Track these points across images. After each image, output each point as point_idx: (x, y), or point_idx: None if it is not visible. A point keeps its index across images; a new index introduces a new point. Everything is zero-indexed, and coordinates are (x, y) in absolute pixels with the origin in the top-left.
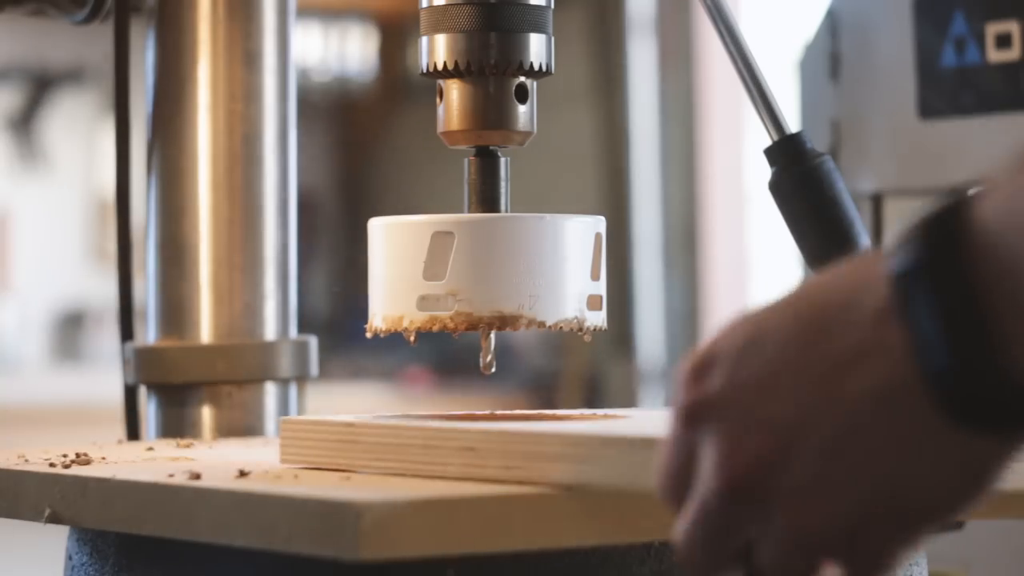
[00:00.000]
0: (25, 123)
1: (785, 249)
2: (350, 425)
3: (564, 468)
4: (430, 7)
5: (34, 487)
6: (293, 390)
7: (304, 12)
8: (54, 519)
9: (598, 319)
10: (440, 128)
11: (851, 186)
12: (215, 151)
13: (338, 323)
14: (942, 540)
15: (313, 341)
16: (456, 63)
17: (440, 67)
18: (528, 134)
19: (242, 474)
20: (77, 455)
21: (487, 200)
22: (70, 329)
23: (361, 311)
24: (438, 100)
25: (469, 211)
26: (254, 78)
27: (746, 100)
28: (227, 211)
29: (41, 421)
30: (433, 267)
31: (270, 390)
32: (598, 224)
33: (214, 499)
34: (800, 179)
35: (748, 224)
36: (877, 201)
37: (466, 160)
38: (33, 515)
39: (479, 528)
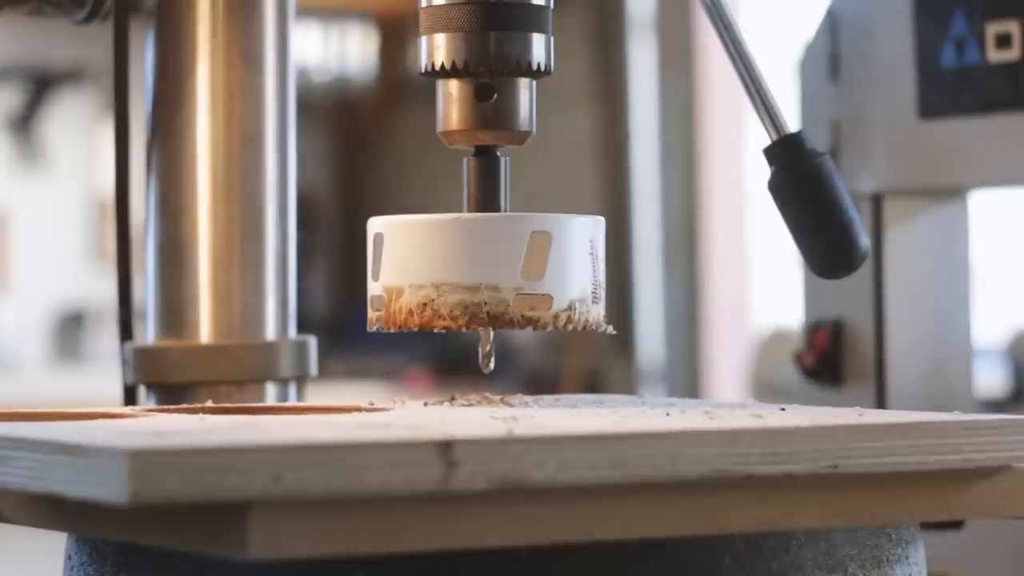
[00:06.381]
0: (25, 123)
1: (785, 249)
2: None
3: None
4: (429, 7)
5: None
6: (293, 390)
7: (304, 12)
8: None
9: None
10: (439, 128)
11: (851, 186)
12: (215, 151)
13: (338, 323)
14: (942, 540)
15: (313, 341)
16: (455, 63)
17: (439, 67)
18: (527, 133)
19: None
20: None
21: (486, 201)
22: (70, 329)
23: (361, 311)
24: (437, 100)
25: (468, 211)
26: (254, 78)
27: (746, 100)
28: (227, 211)
29: None
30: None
31: (270, 390)
32: (533, 223)
33: None
34: (800, 178)
35: (748, 224)
36: (877, 201)
37: (465, 160)
38: None
39: (372, 528)
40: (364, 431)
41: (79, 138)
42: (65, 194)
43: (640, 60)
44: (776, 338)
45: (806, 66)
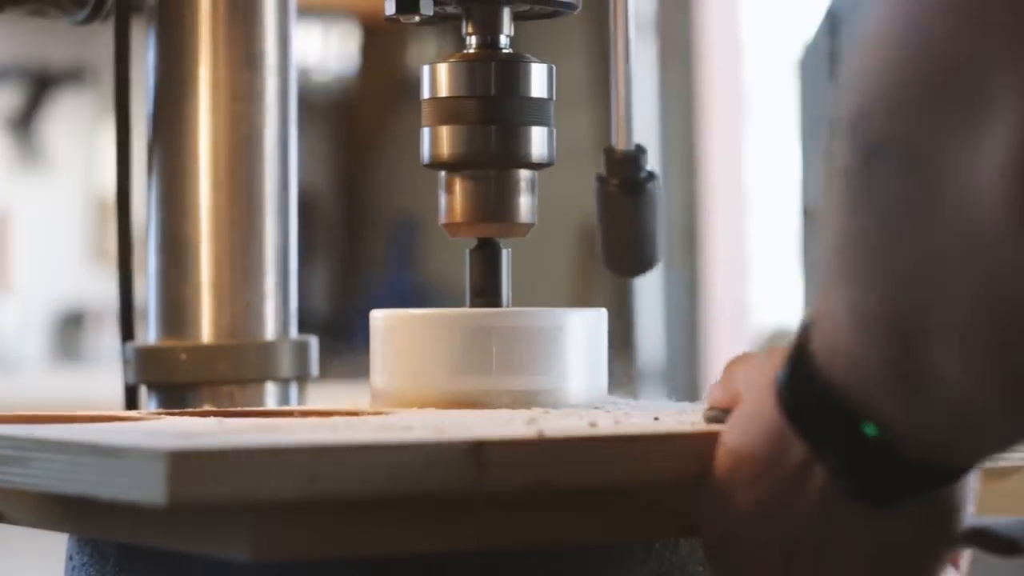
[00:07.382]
0: (25, 123)
1: (785, 248)
2: None
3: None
4: (433, 99)
5: None
6: (293, 390)
7: (304, 12)
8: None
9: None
10: (442, 219)
11: None
12: (216, 151)
13: (338, 323)
14: None
15: (313, 341)
16: (459, 156)
17: (443, 160)
18: (530, 226)
19: None
20: None
21: (488, 293)
22: (70, 329)
23: (361, 311)
24: (440, 192)
25: (470, 304)
26: (255, 78)
27: (747, 100)
28: (228, 211)
29: None
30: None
31: (270, 390)
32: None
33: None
34: (626, 190)
35: (748, 224)
36: None
37: (467, 251)
38: None
39: (372, 530)
40: (390, 433)
41: (79, 138)
42: (65, 194)
43: (640, 60)
44: (776, 338)
45: (806, 66)
